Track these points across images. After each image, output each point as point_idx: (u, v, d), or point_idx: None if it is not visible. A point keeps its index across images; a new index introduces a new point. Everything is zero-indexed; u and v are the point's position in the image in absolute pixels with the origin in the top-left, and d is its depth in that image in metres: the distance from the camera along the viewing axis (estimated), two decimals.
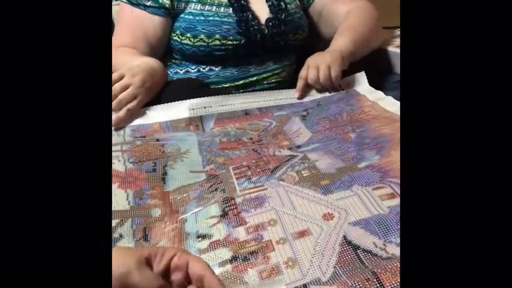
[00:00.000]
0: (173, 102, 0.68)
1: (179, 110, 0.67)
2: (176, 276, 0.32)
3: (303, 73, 0.72)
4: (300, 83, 0.72)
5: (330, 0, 0.87)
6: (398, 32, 0.92)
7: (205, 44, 0.75)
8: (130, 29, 0.78)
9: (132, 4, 0.77)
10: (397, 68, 0.83)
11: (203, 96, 0.70)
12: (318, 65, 0.70)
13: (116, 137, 0.59)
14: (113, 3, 0.92)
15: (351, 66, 0.75)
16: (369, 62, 0.81)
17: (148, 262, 0.31)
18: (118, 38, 0.78)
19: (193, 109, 0.67)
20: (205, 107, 0.68)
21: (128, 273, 0.29)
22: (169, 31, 0.79)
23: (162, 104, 0.68)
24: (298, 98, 0.72)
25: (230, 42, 0.75)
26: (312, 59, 0.73)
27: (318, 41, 0.91)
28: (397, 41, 0.87)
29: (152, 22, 0.77)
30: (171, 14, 0.78)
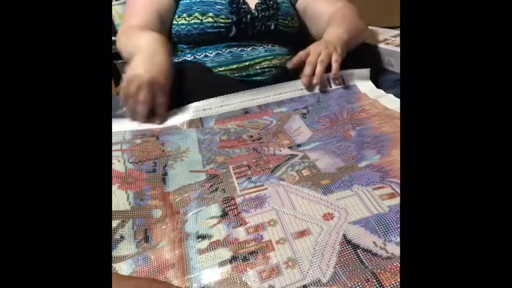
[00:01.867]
0: (175, 109, 0.69)
1: (181, 116, 0.67)
2: None
3: (302, 53, 0.75)
4: (296, 58, 0.75)
5: None
6: (398, 31, 0.92)
7: (199, 21, 0.80)
8: (143, 8, 0.81)
9: None
10: (396, 67, 0.84)
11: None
12: (320, 51, 0.73)
13: (116, 136, 0.59)
14: (113, 3, 0.92)
15: (346, 64, 0.76)
16: (368, 60, 0.81)
17: None
18: (128, 18, 0.82)
19: (193, 111, 0.68)
20: (204, 109, 0.68)
21: None
22: (172, 17, 0.84)
23: None
24: (290, 67, 0.75)
25: (222, 20, 0.81)
26: (315, 45, 0.76)
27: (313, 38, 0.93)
28: (397, 40, 0.87)
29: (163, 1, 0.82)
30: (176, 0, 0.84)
